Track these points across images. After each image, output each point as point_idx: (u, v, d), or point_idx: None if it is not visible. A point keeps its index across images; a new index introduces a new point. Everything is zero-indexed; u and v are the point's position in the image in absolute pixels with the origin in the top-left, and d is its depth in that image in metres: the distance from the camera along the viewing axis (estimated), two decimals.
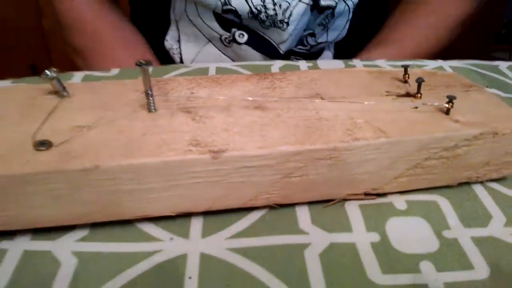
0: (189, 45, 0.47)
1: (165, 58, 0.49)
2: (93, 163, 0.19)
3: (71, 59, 0.49)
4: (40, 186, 0.19)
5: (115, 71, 0.35)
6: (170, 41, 0.48)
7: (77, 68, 0.46)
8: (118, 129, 0.21)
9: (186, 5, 0.44)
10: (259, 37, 0.45)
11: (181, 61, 0.48)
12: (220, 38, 0.45)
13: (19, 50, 1.37)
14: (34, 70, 1.43)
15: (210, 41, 0.46)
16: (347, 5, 0.44)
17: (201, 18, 0.44)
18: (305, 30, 0.45)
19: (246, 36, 0.44)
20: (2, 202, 0.19)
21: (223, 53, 0.47)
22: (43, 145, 0.20)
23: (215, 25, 0.44)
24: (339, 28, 0.47)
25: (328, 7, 0.43)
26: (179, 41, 0.48)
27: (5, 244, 0.20)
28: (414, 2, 0.49)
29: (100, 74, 0.34)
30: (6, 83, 0.33)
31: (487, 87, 0.34)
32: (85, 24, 0.45)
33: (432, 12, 0.47)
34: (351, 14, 0.45)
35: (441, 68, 0.37)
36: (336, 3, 0.43)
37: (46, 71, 0.23)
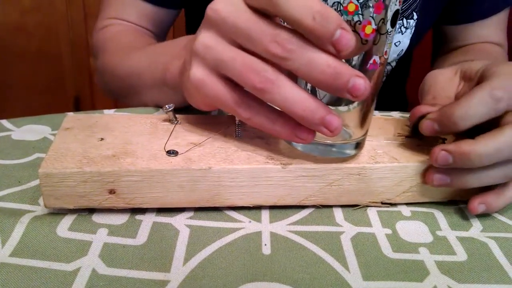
0: None
1: None
2: (207, 165, 0.29)
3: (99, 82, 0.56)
4: (172, 178, 0.29)
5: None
6: None
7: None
8: (218, 146, 0.32)
9: None
10: None
11: None
12: None
13: (67, 83, 1.53)
14: (77, 101, 1.58)
15: None
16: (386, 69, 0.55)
17: None
18: None
19: None
20: (148, 188, 0.29)
21: None
22: (173, 153, 0.30)
23: None
24: None
25: None
26: None
27: (139, 217, 0.30)
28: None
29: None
30: (111, 111, 0.44)
31: None
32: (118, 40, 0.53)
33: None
34: (385, 77, 0.57)
35: None
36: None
37: (166, 105, 0.34)
